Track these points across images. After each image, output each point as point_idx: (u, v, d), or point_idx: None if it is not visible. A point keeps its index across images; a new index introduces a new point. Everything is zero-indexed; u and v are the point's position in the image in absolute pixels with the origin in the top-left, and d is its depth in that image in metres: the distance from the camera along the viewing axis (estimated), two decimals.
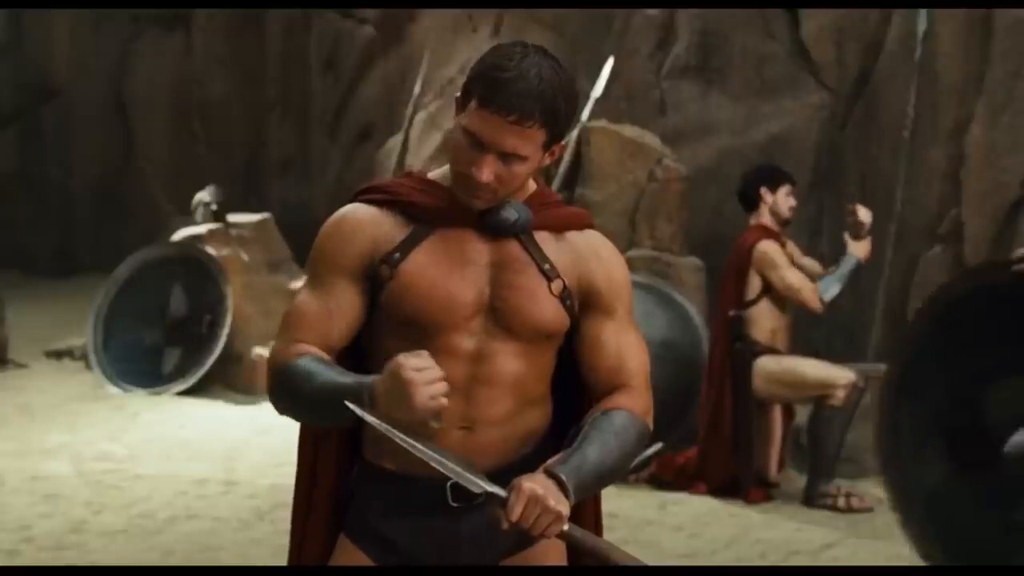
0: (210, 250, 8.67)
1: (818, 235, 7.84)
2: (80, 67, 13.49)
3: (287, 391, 2.29)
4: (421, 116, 9.74)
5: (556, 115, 2.22)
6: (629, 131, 7.40)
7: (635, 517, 5.77)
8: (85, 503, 5.91)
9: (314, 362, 2.26)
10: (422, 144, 9.58)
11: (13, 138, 13.81)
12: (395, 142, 9.83)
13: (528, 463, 2.27)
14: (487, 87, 2.20)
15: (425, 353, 2.16)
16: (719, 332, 6.20)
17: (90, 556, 5.22)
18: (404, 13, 10.61)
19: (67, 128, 13.63)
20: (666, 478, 6.24)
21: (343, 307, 2.32)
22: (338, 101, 11.58)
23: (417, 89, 9.61)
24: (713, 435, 6.14)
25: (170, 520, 5.70)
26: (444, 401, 2.14)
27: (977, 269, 5.11)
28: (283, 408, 2.33)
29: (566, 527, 2.15)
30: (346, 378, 2.21)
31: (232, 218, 9.05)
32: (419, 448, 2.15)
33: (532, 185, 2.40)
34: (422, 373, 2.12)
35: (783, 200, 6.14)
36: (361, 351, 2.39)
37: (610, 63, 7.98)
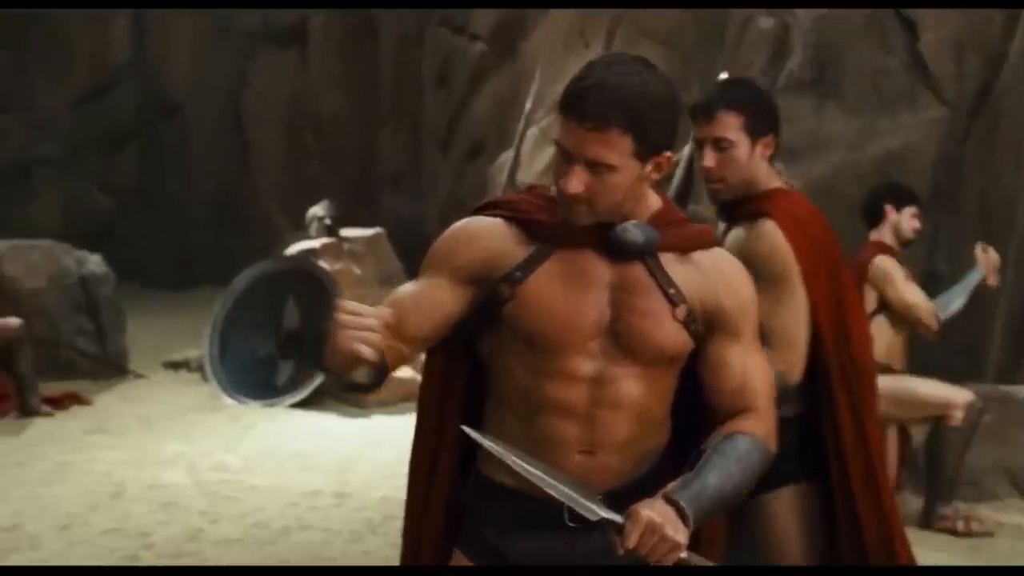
0: (323, 264, 8.78)
1: (935, 252, 7.69)
2: (198, 83, 13.77)
3: None
4: (533, 131, 9.76)
5: (640, 121, 2.17)
6: None
7: None
8: (201, 512, 6.01)
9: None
10: (533, 159, 9.60)
11: (134, 154, 14.15)
12: (506, 157, 9.87)
13: (645, 483, 2.25)
14: (568, 96, 2.20)
15: (370, 308, 2.13)
16: None
17: (207, 565, 5.31)
18: (517, 29, 10.65)
19: (185, 144, 13.93)
20: None
21: (430, 301, 2.31)
22: (450, 116, 11.67)
23: (529, 104, 9.64)
24: None
25: (283, 531, 5.77)
26: (365, 350, 2.09)
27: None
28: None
29: (684, 555, 2.12)
30: None
31: (345, 232, 9.16)
32: (533, 473, 2.13)
33: (656, 202, 2.36)
34: (352, 318, 2.10)
35: (907, 221, 6.01)
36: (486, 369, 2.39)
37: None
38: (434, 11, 11.81)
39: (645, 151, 2.22)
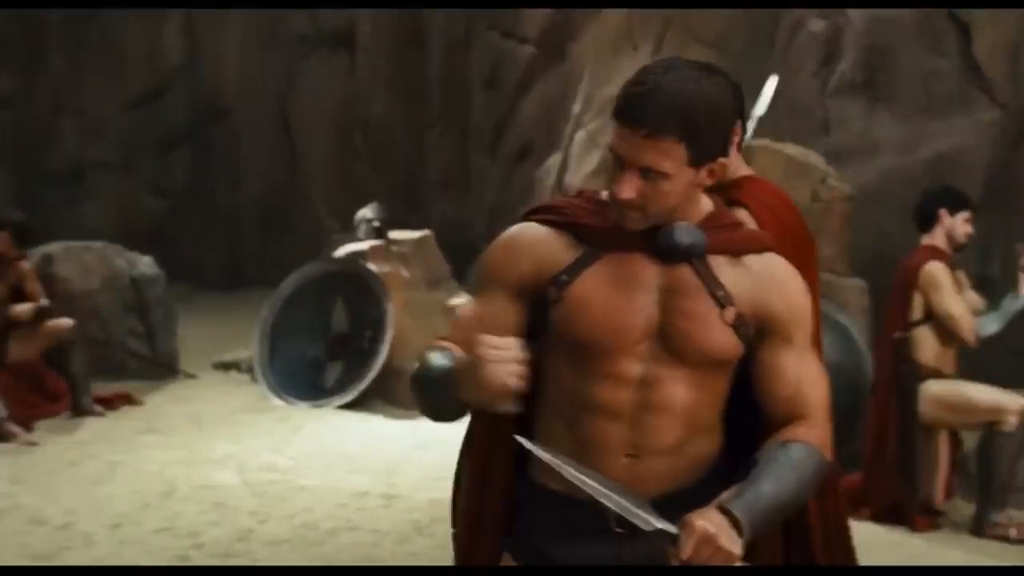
0: (372, 266, 8.81)
1: (989, 257, 7.62)
2: (248, 87, 13.87)
3: (413, 380, 2.32)
4: (581, 135, 9.76)
5: (695, 129, 2.16)
6: (792, 150, 7.29)
7: None
8: (251, 512, 6.05)
9: (436, 351, 2.28)
10: (582, 162, 9.60)
11: (185, 157, 14.27)
12: (555, 160, 9.87)
13: (697, 492, 2.23)
14: (622, 101, 2.19)
15: (512, 340, 2.15)
16: (884, 354, 6.07)
17: (257, 565, 5.34)
18: (565, 32, 10.66)
19: (235, 146, 14.03)
20: None
21: (493, 318, 2.32)
22: (498, 119, 11.69)
23: (577, 107, 9.63)
24: (877, 459, 6.00)
25: (331, 532, 5.80)
26: (515, 381, 2.11)
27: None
28: (413, 398, 2.36)
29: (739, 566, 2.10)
30: (447, 360, 2.23)
31: (393, 235, 9.19)
32: (587, 483, 2.11)
33: (708, 205, 2.35)
34: (496, 352, 2.11)
35: (960, 226, 5.96)
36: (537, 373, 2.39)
37: (774, 81, 7.87)
38: (482, 14, 11.83)
39: (699, 159, 2.21)
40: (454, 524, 3.49)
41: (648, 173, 2.19)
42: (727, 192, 3.19)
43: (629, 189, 2.20)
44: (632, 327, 2.27)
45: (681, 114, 2.15)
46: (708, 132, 2.19)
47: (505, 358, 2.11)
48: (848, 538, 3.20)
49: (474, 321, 2.33)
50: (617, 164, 2.22)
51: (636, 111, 2.16)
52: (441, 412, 2.31)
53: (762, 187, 3.28)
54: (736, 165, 3.22)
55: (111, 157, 14.00)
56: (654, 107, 2.14)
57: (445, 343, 2.33)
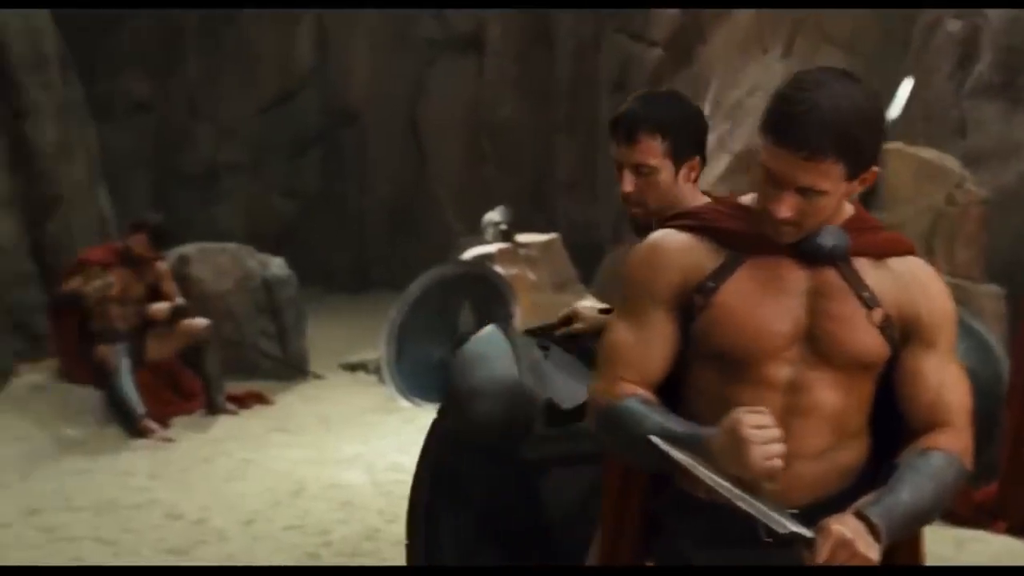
0: (499, 269, 8.85)
1: None
2: (378, 90, 14.05)
3: (614, 433, 2.29)
4: (710, 138, 9.67)
5: (853, 146, 2.14)
6: (927, 153, 7.15)
7: (930, 554, 5.50)
8: (378, 512, 6.11)
9: (641, 405, 2.25)
10: (710, 166, 9.51)
11: (315, 160, 14.50)
12: None
13: (846, 499, 2.19)
14: (778, 122, 2.16)
15: (764, 410, 2.13)
16: (1021, 361, 5.91)
17: (385, 564, 5.39)
18: (694, 34, 10.59)
19: (364, 149, 14.22)
20: (963, 514, 5.96)
21: (659, 339, 2.31)
22: None
23: (706, 111, 9.55)
24: (1014, 471, 5.85)
25: None
26: (780, 463, 2.10)
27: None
28: (609, 448, 2.35)
29: None
30: (678, 427, 2.20)
31: (520, 238, 9.22)
32: (724, 486, 2.10)
33: (849, 209, 2.32)
34: (760, 432, 2.09)
35: None
36: (673, 377, 2.37)
37: (909, 84, 7.73)
38: (611, 17, 11.81)
39: (855, 172, 2.20)
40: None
41: (807, 192, 2.18)
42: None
43: (787, 209, 2.19)
44: (780, 331, 2.26)
45: (840, 133, 2.13)
46: (865, 147, 2.17)
47: (768, 438, 2.10)
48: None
49: (644, 349, 2.31)
50: (771, 181, 2.19)
51: (795, 133, 2.13)
52: (661, 468, 2.26)
53: None
54: (693, 200, 2.89)
55: (244, 160, 14.29)
56: (814, 130, 2.12)
57: (632, 387, 2.29)
